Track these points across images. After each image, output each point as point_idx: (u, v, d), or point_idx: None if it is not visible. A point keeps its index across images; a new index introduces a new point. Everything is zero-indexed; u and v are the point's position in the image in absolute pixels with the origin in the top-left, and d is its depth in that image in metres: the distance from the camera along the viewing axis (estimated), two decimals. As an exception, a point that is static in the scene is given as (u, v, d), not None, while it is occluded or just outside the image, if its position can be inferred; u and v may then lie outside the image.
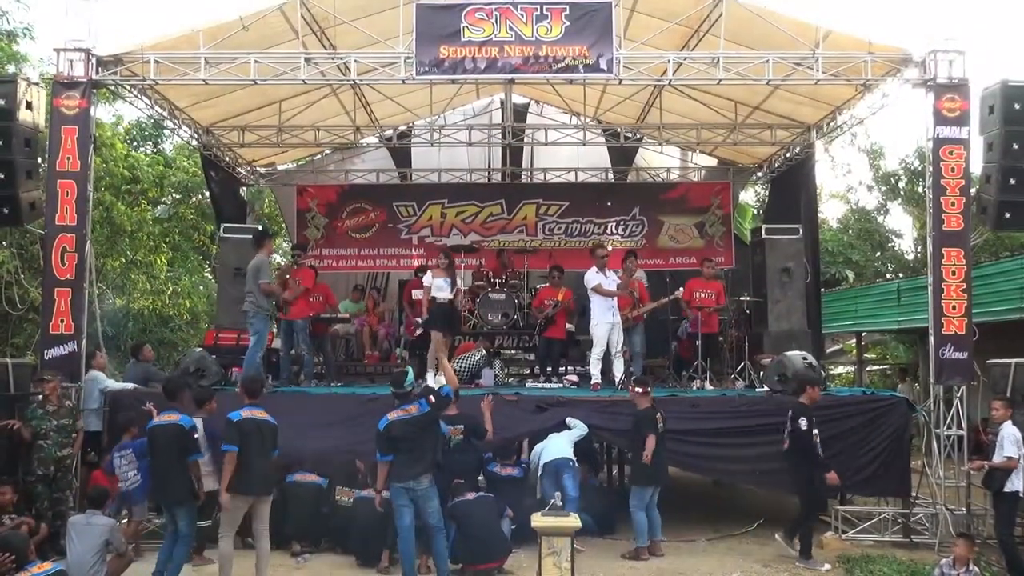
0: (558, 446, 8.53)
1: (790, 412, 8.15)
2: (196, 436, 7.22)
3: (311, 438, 8.73)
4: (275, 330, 11.30)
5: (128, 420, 8.37)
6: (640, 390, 8.40)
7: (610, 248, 11.09)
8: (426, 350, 11.28)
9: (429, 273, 10.26)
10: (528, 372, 13.11)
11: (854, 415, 9.11)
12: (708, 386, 10.48)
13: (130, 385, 9.65)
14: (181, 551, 7.24)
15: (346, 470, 8.59)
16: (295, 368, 11.04)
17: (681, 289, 11.16)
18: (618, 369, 10.11)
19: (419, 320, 11.21)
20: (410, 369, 7.66)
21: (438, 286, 10.02)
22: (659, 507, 8.41)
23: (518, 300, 12.46)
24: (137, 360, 10.74)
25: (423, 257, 14.23)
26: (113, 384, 9.58)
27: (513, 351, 13.08)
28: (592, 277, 10.24)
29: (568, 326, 11.51)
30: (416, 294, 11.61)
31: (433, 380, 9.81)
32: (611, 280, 10.33)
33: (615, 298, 10.29)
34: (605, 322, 10.11)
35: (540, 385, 10.89)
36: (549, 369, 11.34)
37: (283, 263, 15.59)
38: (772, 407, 8.98)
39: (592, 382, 10.16)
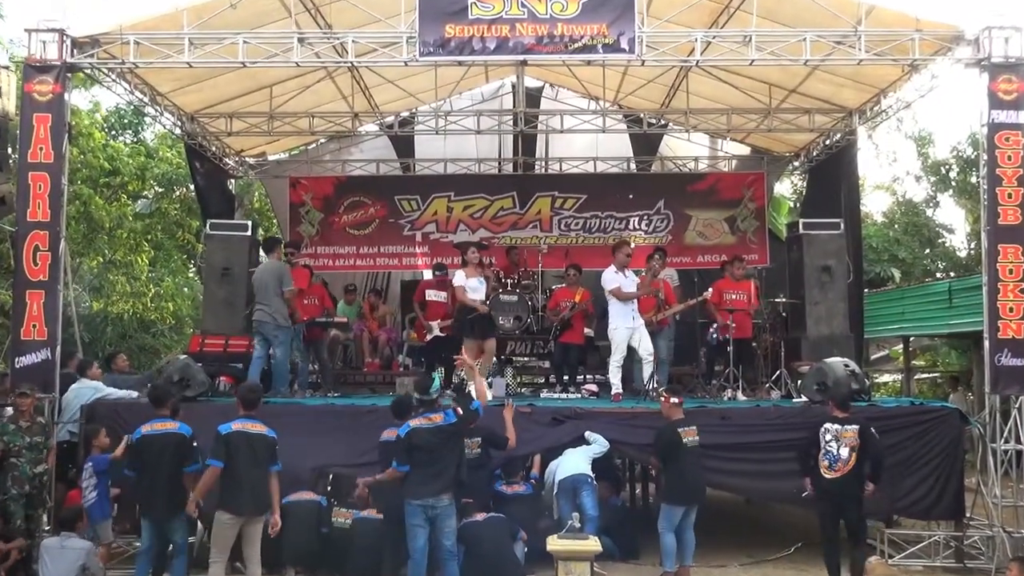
0: (574, 462, 8.52)
1: (844, 427, 7.84)
2: (195, 445, 7.32)
3: (306, 453, 8.74)
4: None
5: (94, 432, 8.46)
6: (676, 400, 8.37)
7: (633, 246, 10.98)
8: (434, 357, 11.31)
9: (461, 272, 10.14)
10: (543, 381, 13.11)
11: (901, 428, 9.06)
12: (740, 396, 10.45)
13: (134, 394, 9.74)
14: (180, 566, 7.33)
15: (345, 487, 8.60)
16: (288, 377, 11.05)
17: (710, 290, 11.12)
18: (645, 373, 10.06)
19: (433, 324, 11.21)
20: (436, 375, 7.72)
21: (472, 287, 9.96)
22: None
23: (531, 302, 12.44)
24: (111, 370, 10.80)
25: (428, 255, 14.28)
26: (116, 393, 9.67)
27: (526, 358, 13.05)
28: (610, 278, 10.20)
29: (586, 330, 11.51)
30: (431, 295, 11.61)
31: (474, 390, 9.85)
32: (631, 280, 10.29)
33: (635, 300, 10.25)
34: (625, 327, 10.07)
35: (556, 395, 10.89)
36: (566, 378, 11.33)
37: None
38: (810, 419, 8.90)
39: (612, 392, 10.16)
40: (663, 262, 11.44)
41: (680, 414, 8.34)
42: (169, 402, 7.66)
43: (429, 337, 11.36)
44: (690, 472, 8.14)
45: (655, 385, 9.96)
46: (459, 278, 10.06)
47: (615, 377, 10.17)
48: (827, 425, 7.91)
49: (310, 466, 8.81)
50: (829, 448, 7.82)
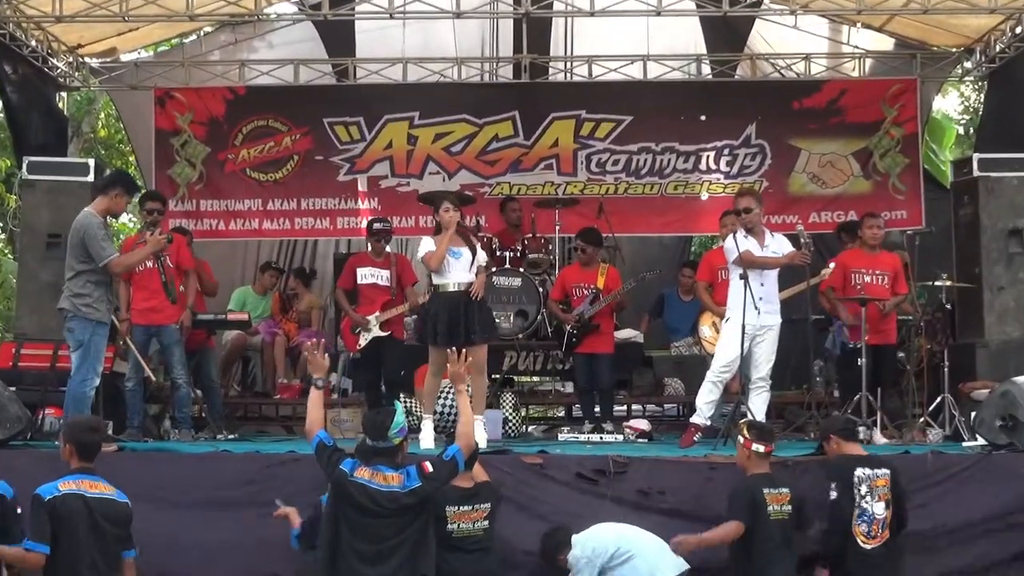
0: (662, 554, 8.38)
1: (876, 472, 8.09)
2: (20, 512, 7.29)
3: (186, 530, 8.75)
4: (121, 342, 11.32)
5: None
6: (762, 448, 8.34)
7: (753, 203, 10.64)
8: (374, 373, 11.30)
9: (428, 239, 10.08)
10: (562, 414, 13.08)
11: None
12: (879, 438, 10.45)
13: None
14: None
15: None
16: (154, 410, 11.04)
17: (830, 267, 11.07)
18: (756, 407, 10.04)
19: (370, 319, 11.21)
20: (399, 406, 7.65)
21: (445, 261, 9.87)
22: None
23: (543, 289, 12.43)
24: None
25: (377, 212, 14.23)
26: None
27: (535, 377, 13.03)
28: (740, 241, 10.04)
29: (628, 333, 11.49)
30: (365, 275, 11.56)
31: (430, 434, 9.88)
32: (770, 253, 10.17)
33: (773, 285, 10.17)
34: (747, 322, 9.98)
35: (583, 436, 10.89)
36: (597, 409, 11.35)
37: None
38: (997, 475, 8.92)
39: (692, 420, 10.16)
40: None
41: (765, 467, 8.32)
42: None
43: (364, 341, 11.36)
44: (774, 558, 8.10)
45: (731, 422, 9.91)
46: (425, 244, 10.03)
47: (707, 397, 10.12)
48: (859, 472, 8.11)
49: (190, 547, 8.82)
50: (865, 506, 8.01)
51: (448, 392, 10.68)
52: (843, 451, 8.28)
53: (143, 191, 12.00)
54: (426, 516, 7.42)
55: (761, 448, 8.29)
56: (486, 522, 8.09)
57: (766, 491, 8.10)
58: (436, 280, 10.02)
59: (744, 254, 9.93)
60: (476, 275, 9.99)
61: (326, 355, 7.92)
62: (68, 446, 7.49)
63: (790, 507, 8.16)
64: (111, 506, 7.21)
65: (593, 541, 8.26)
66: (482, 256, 10.19)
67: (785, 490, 8.20)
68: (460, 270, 9.89)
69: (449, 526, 7.87)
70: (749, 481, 8.21)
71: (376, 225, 11.85)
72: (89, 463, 7.35)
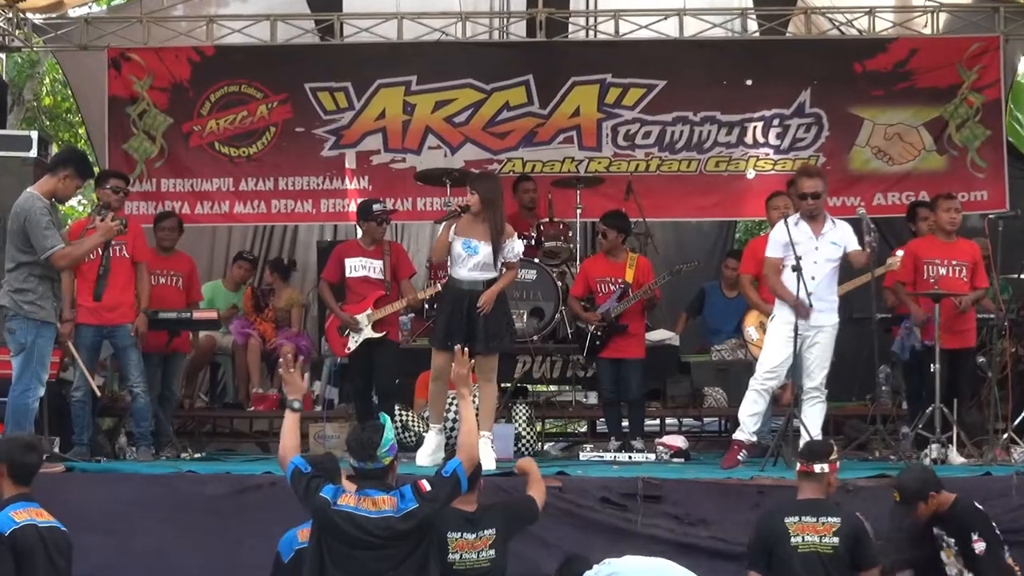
0: None
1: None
2: None
3: (142, 565, 8.80)
4: (74, 344, 11.34)
5: None
6: (801, 467, 8.25)
7: (815, 185, 10.55)
8: (366, 382, 11.28)
9: (449, 225, 10.05)
10: (584, 429, 13.05)
11: None
12: (955, 456, 10.42)
13: None
14: None
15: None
16: (108, 424, 11.03)
17: (898, 256, 11.02)
18: (811, 420, 9.99)
19: (359, 318, 11.18)
20: (386, 420, 7.61)
21: (457, 254, 9.90)
22: None
23: (562, 283, 12.41)
24: None
25: (367, 192, 14.30)
26: None
27: (553, 386, 13.00)
28: (792, 228, 9.98)
29: (662, 334, 11.46)
30: (355, 267, 11.49)
31: (430, 449, 9.91)
32: (830, 244, 10.07)
33: (829, 277, 10.11)
34: (790, 322, 9.96)
35: (608, 456, 10.91)
36: (625, 424, 11.38)
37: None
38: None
39: (735, 436, 10.16)
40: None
41: (815, 491, 8.23)
42: None
43: (353, 344, 11.32)
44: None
45: (783, 440, 9.94)
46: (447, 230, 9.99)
47: (751, 408, 10.11)
48: (935, 531, 8.13)
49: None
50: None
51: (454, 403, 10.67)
52: (942, 504, 8.15)
53: (96, 175, 11.99)
54: (426, 544, 7.37)
55: (821, 467, 8.23)
56: (492, 551, 8.04)
57: (794, 519, 7.99)
58: (449, 271, 10.03)
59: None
60: (505, 271, 9.95)
61: (304, 374, 7.81)
62: (2, 467, 7.46)
63: (836, 539, 7.99)
64: (61, 537, 7.23)
65: (612, 568, 8.24)
66: (515, 249, 10.06)
67: (831, 519, 8.03)
68: (471, 267, 9.83)
69: (451, 556, 7.83)
70: (770, 511, 8.24)
71: (376, 207, 11.68)
72: (27, 488, 7.33)
